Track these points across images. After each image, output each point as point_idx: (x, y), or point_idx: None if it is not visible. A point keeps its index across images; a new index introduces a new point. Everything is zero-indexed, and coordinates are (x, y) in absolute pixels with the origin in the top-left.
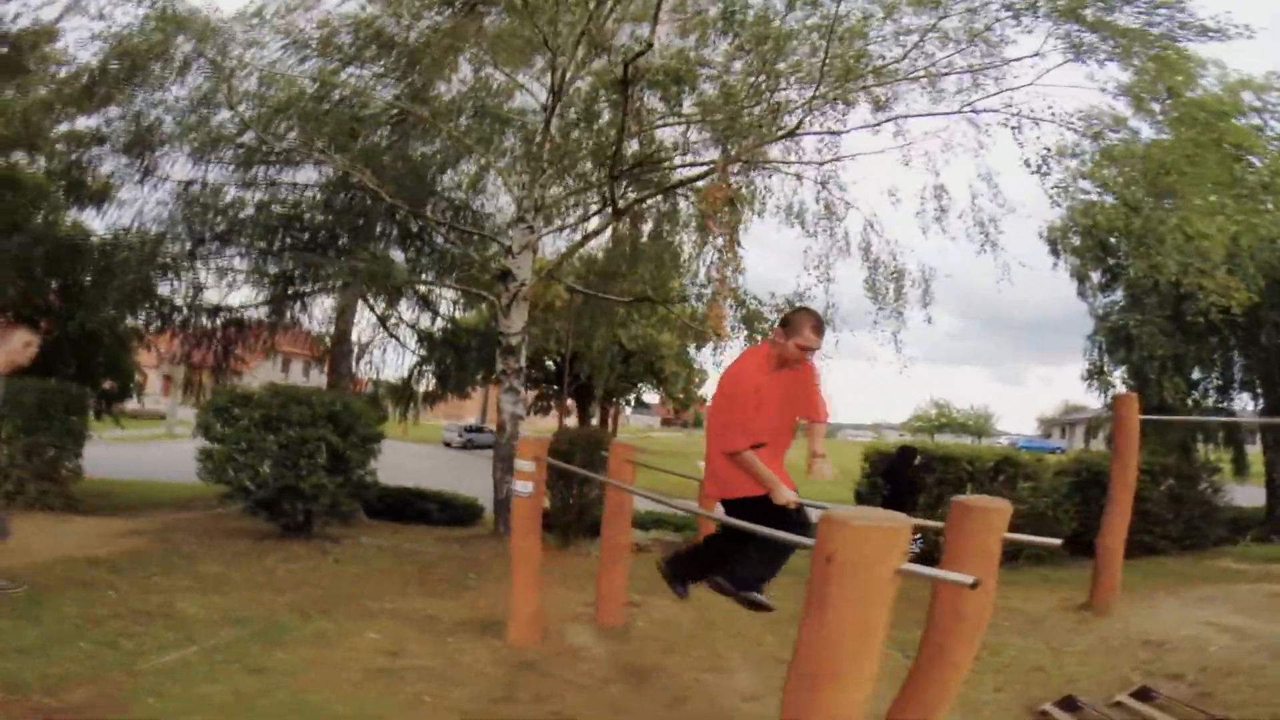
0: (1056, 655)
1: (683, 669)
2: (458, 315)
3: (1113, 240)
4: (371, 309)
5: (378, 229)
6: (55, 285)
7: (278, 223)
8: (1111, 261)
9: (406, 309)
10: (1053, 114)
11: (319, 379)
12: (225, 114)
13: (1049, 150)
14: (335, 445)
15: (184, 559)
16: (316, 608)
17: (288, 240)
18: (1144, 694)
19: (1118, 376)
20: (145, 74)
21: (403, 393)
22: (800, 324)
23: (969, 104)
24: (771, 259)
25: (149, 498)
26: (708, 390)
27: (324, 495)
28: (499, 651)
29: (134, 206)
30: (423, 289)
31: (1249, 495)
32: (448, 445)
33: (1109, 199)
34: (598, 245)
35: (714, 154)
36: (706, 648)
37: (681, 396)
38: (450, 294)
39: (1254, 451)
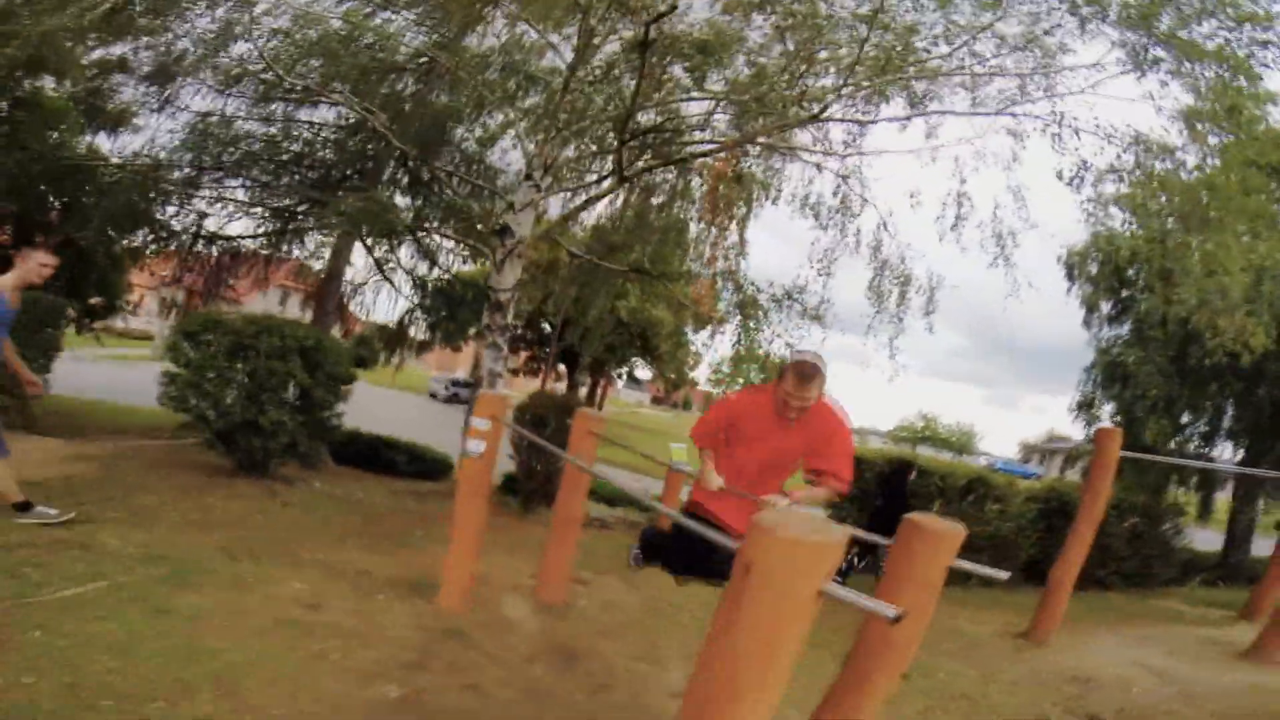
0: (985, 683)
1: (615, 655)
2: (458, 268)
3: (1130, 273)
4: (369, 250)
5: (386, 174)
6: (58, 204)
7: (287, 158)
8: (1125, 294)
9: (406, 255)
10: (1098, 126)
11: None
12: (247, 47)
13: (1086, 164)
14: (302, 381)
15: (122, 489)
16: (245, 551)
17: (295, 176)
18: None
19: (1106, 411)
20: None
21: (392, 336)
22: (785, 372)
23: (1008, 107)
24: (784, 249)
25: (114, 422)
26: (700, 374)
27: (282, 433)
28: (423, 616)
29: (147, 133)
30: (424, 237)
31: (1207, 539)
32: (433, 397)
33: (1137, 228)
34: (605, 214)
35: (736, 134)
36: (646, 637)
37: (673, 376)
38: (451, 245)
39: (1222, 498)
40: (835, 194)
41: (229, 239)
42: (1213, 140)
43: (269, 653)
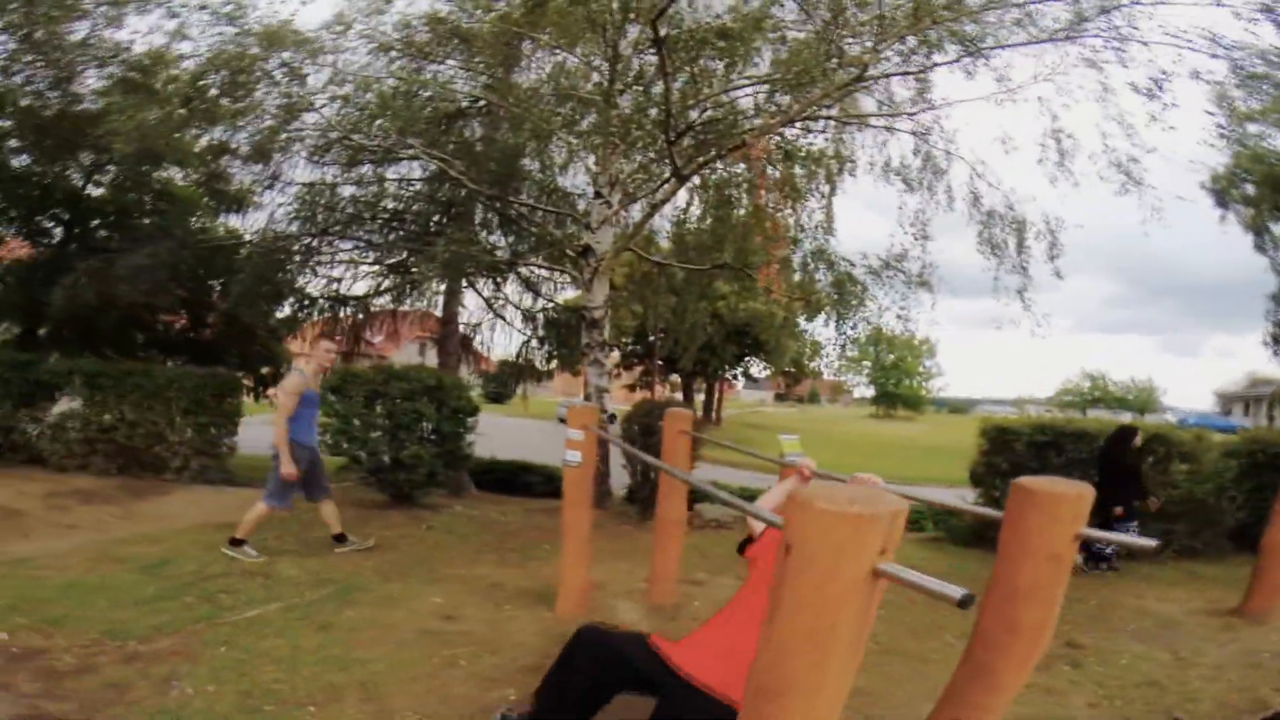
0: (1180, 668)
1: None
2: (563, 297)
3: None
4: (477, 292)
5: (477, 216)
6: (218, 285)
7: (387, 215)
8: None
9: (512, 291)
10: (1166, 33)
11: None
12: (322, 117)
13: (1165, 74)
14: (430, 417)
15: (298, 525)
16: (396, 571)
17: (396, 231)
18: None
19: None
20: (244, 87)
21: (515, 369)
22: None
23: (1070, 29)
24: (881, 221)
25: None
26: (821, 363)
27: (421, 465)
28: (544, 623)
29: (268, 209)
30: (526, 271)
31: None
32: (561, 421)
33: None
34: (677, 216)
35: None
36: None
37: (791, 370)
38: (547, 274)
39: None
40: (916, 153)
41: (358, 299)
42: None
43: (408, 660)
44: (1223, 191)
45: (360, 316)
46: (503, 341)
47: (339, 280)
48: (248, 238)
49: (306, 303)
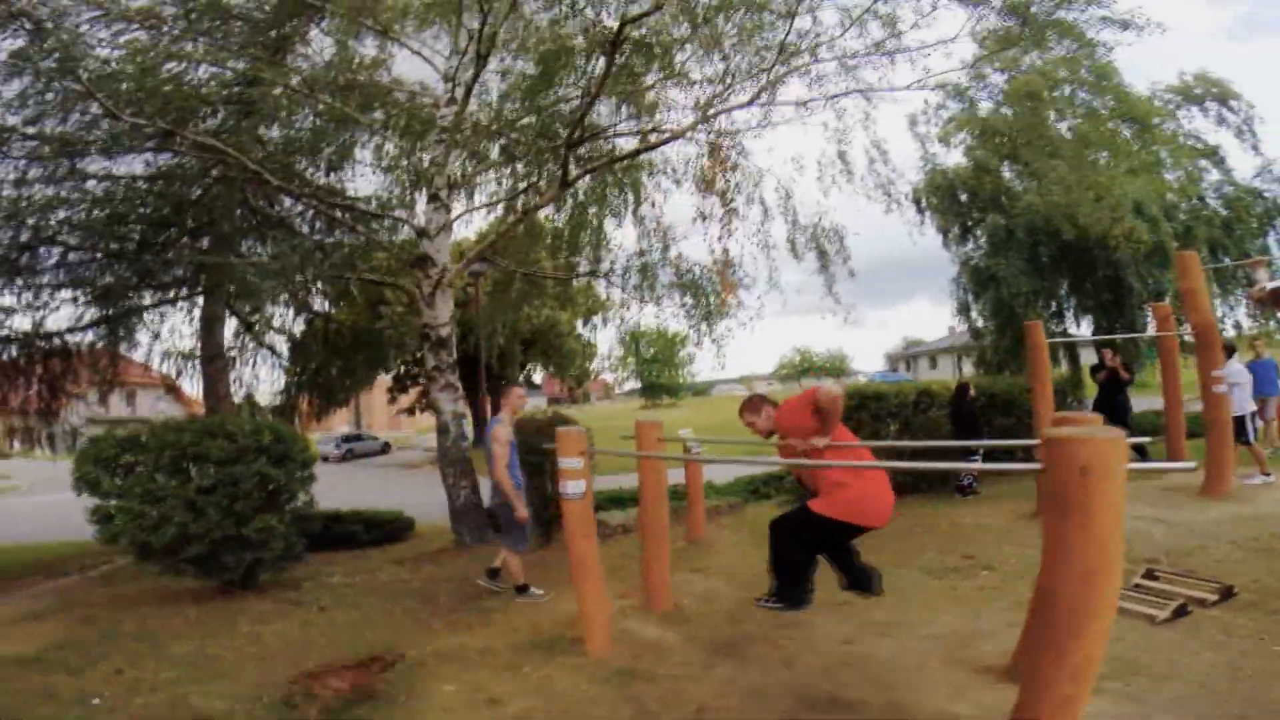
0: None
1: (764, 632)
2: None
3: (964, 198)
4: (240, 317)
5: (224, 225)
6: None
7: (101, 225)
8: (977, 214)
9: (276, 313)
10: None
11: (169, 409)
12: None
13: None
14: (274, 478)
15: (138, 640)
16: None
17: (111, 245)
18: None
19: (977, 312)
20: None
21: (283, 409)
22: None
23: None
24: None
25: (20, 564)
26: (598, 364)
27: (275, 540)
28: (586, 669)
29: None
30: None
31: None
32: (325, 460)
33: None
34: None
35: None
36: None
37: (576, 374)
38: (319, 288)
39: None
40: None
41: (49, 336)
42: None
43: None
44: (919, 200)
45: (57, 361)
46: (268, 375)
47: (10, 310)
48: None
49: None
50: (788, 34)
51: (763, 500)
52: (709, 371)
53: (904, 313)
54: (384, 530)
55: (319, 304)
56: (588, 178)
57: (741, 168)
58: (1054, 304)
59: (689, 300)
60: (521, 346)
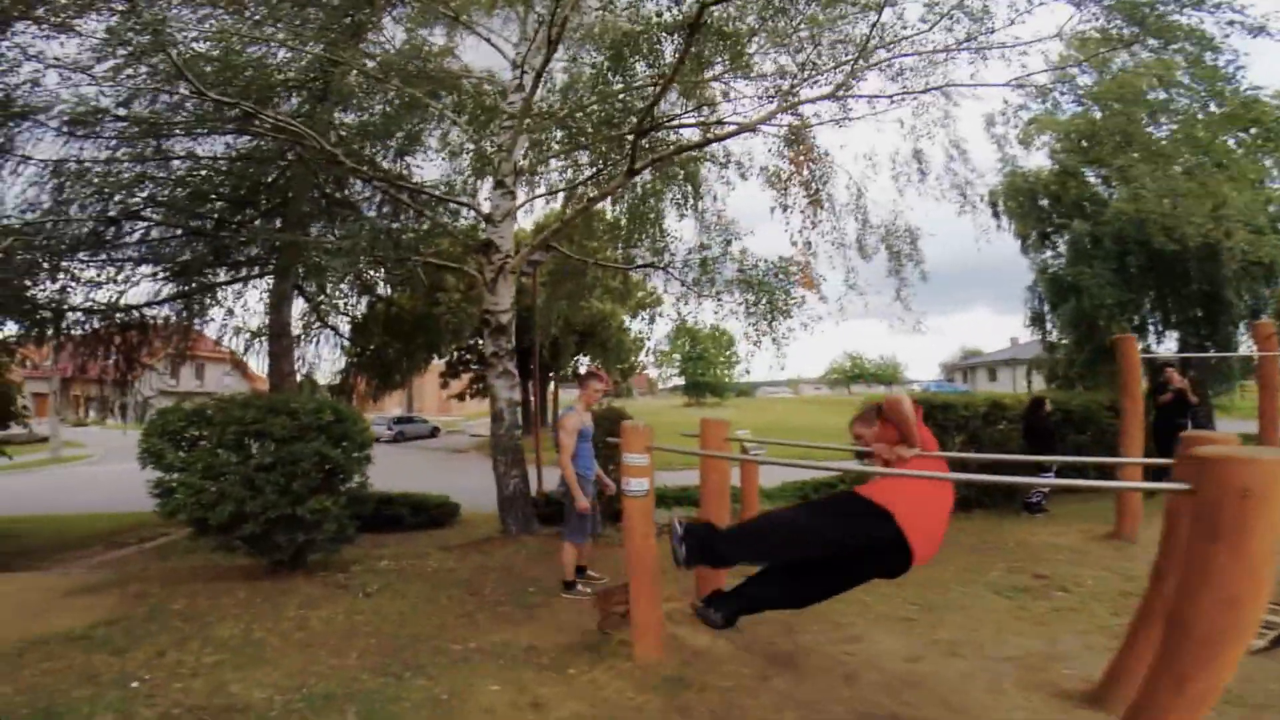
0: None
1: (819, 645)
2: (394, 296)
3: (1044, 204)
4: (307, 297)
5: (305, 204)
6: None
7: (177, 203)
8: (1059, 220)
9: (339, 294)
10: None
11: (235, 384)
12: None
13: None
14: (333, 458)
15: (186, 620)
16: (398, 663)
17: (191, 223)
18: None
19: (1052, 323)
20: None
21: (342, 388)
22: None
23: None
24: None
25: (63, 537)
26: (646, 358)
27: (328, 521)
28: (633, 674)
29: None
30: (367, 271)
31: None
32: (377, 440)
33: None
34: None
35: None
36: (822, 619)
37: (622, 366)
38: (382, 273)
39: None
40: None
41: (127, 309)
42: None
43: None
44: (995, 204)
45: (135, 333)
46: (330, 354)
47: (98, 283)
48: None
49: (40, 318)
50: (875, 25)
51: None
52: (767, 372)
53: (962, 321)
54: (429, 514)
55: (382, 287)
56: (650, 169)
57: (822, 159)
58: (1137, 318)
59: (750, 297)
60: (576, 338)
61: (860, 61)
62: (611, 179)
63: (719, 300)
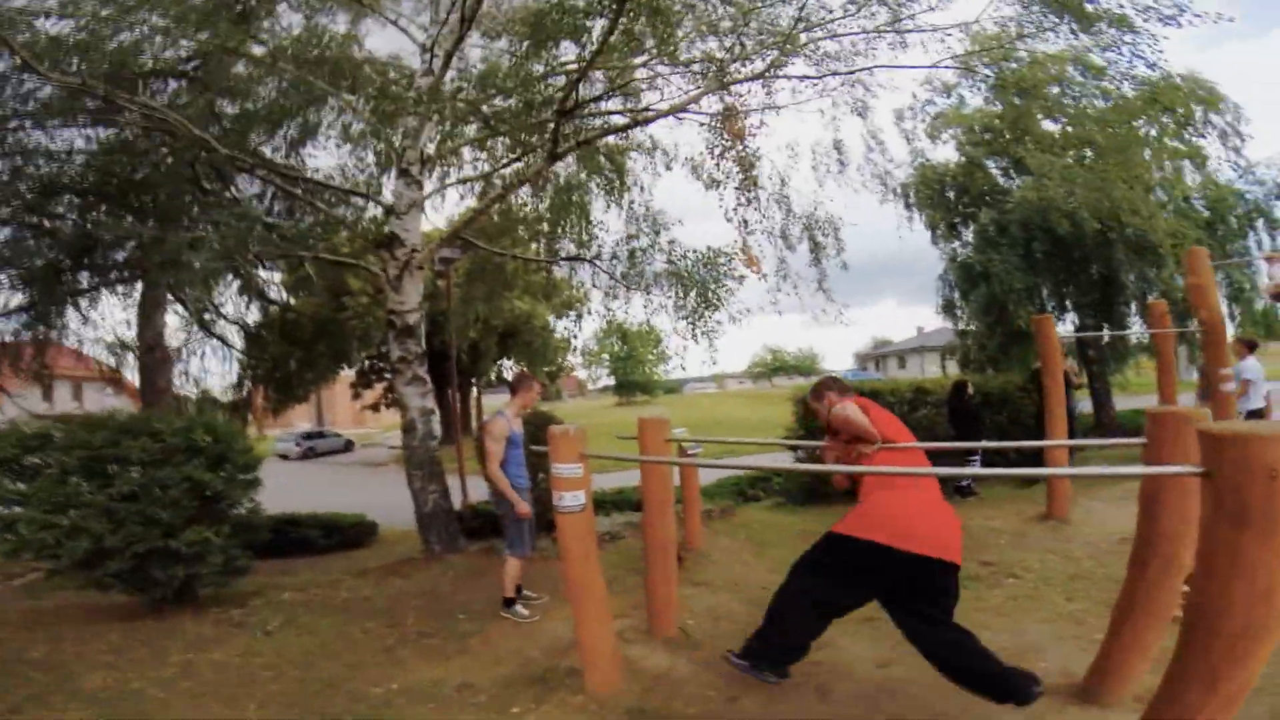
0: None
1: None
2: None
3: (950, 195)
4: (185, 304)
5: (170, 204)
6: None
7: (34, 201)
8: (966, 210)
9: (220, 298)
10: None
11: (118, 404)
12: None
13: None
14: (208, 483)
15: (46, 671)
16: (306, 713)
17: (45, 223)
18: None
19: (963, 310)
20: None
21: (237, 405)
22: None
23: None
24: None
25: None
26: (575, 358)
27: (212, 553)
28: (587, 709)
29: None
30: (254, 271)
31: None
32: (284, 458)
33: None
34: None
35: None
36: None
37: (549, 369)
38: (278, 276)
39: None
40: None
41: None
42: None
43: None
44: (908, 196)
45: None
46: (219, 369)
47: None
48: None
49: None
50: (803, 7)
51: (751, 503)
52: (699, 367)
53: (871, 313)
54: (343, 535)
55: (275, 292)
56: (573, 156)
57: (753, 135)
58: (1039, 301)
59: (679, 290)
60: (497, 341)
61: (787, 45)
62: (530, 167)
63: (648, 294)
